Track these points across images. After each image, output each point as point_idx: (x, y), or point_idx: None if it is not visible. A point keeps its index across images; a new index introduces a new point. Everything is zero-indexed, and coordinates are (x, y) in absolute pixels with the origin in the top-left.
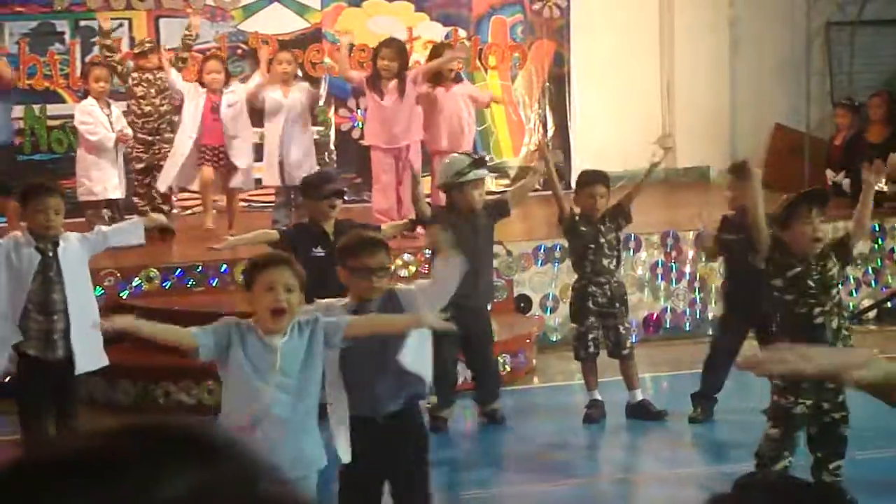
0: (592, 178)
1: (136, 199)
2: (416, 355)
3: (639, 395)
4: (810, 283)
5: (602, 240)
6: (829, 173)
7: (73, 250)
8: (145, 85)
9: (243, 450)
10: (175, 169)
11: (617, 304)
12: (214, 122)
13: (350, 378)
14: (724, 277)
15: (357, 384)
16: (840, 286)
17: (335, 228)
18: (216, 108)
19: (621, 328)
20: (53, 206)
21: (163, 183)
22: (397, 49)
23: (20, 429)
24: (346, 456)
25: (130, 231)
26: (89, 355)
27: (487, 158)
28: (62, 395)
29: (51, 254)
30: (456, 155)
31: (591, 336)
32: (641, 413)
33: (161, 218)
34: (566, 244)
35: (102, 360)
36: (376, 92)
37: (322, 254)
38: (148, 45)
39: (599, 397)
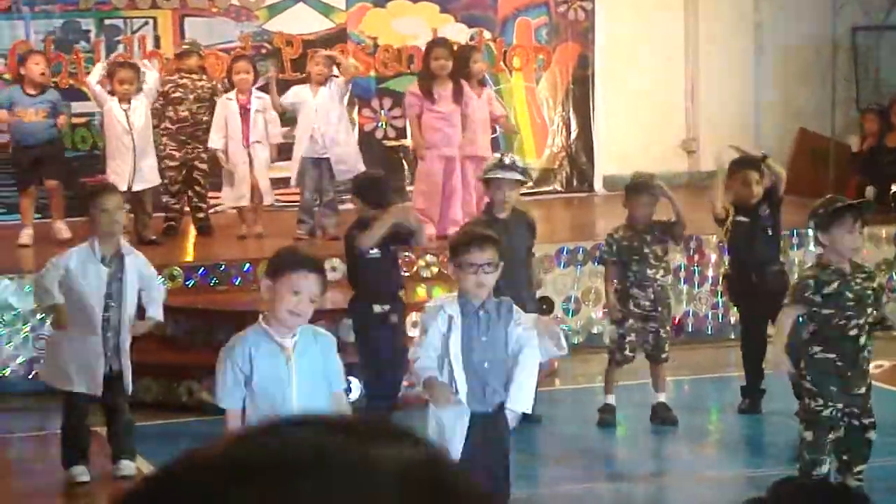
0: (640, 186)
1: (165, 198)
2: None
3: (662, 398)
4: (849, 295)
5: (646, 249)
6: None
7: (135, 274)
8: (182, 90)
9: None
10: (240, 182)
11: (660, 308)
12: (244, 122)
13: (467, 375)
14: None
15: (472, 382)
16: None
17: (392, 230)
18: (246, 108)
19: (662, 332)
20: (117, 204)
21: (236, 199)
22: (450, 49)
23: (68, 426)
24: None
25: (157, 306)
26: (129, 374)
27: (510, 160)
28: (114, 397)
29: (114, 268)
30: (495, 155)
31: (628, 339)
32: (661, 416)
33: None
34: (587, 247)
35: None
36: (429, 96)
37: (378, 255)
38: (187, 46)
39: (613, 401)
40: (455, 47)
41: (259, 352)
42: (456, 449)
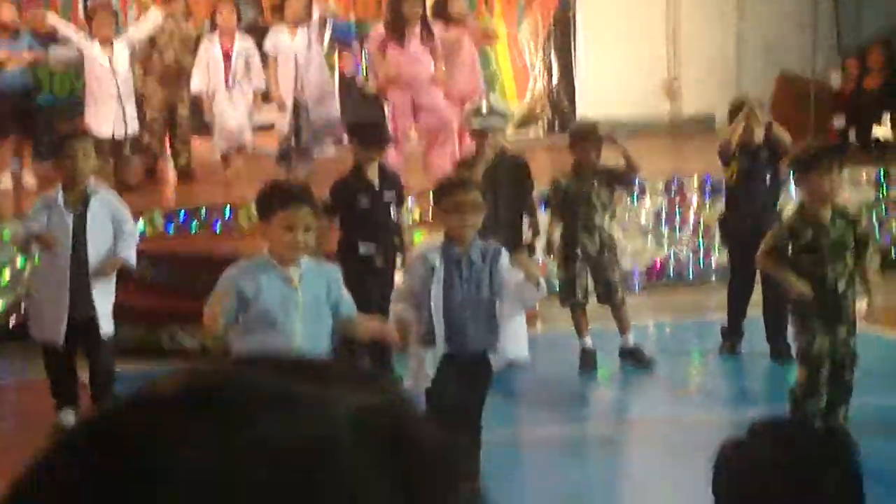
0: (586, 132)
1: (147, 139)
2: (517, 340)
3: (631, 341)
4: (824, 244)
5: (594, 198)
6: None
7: (104, 214)
8: (167, 36)
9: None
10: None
11: (606, 252)
12: (227, 68)
13: (446, 319)
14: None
15: (451, 326)
16: (851, 246)
17: (381, 175)
18: (227, 53)
19: (612, 275)
20: (82, 151)
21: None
22: None
23: (48, 372)
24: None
25: (125, 248)
26: (106, 318)
27: (497, 109)
28: (89, 342)
29: (79, 213)
30: (471, 105)
31: (578, 283)
32: (632, 359)
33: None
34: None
35: (109, 328)
36: (397, 39)
37: (368, 206)
38: None
39: (590, 344)
40: None
41: (266, 277)
42: (424, 388)
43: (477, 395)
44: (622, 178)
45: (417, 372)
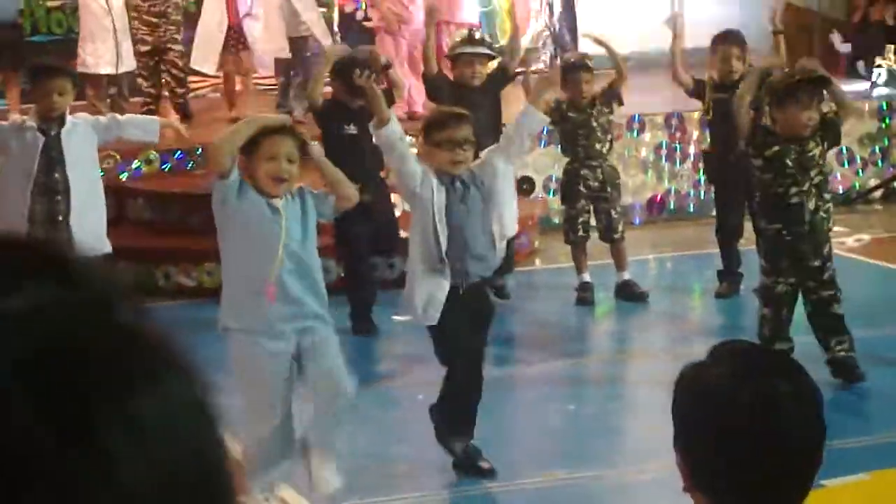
0: (576, 66)
1: (140, 81)
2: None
3: (626, 276)
4: (788, 162)
5: (594, 123)
6: (835, 37)
7: (81, 132)
8: None
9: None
10: (202, 48)
11: (609, 188)
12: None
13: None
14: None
15: (455, 252)
16: (822, 165)
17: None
18: None
19: (613, 212)
20: (58, 88)
21: (196, 62)
22: None
23: None
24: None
25: (146, 126)
26: (91, 240)
27: (487, 36)
28: None
29: (54, 133)
30: (462, 31)
31: (581, 219)
32: (626, 293)
33: (177, 125)
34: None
35: (104, 246)
36: None
37: (354, 131)
38: None
39: (589, 279)
40: None
41: (252, 202)
42: (434, 315)
43: (483, 329)
44: (614, 88)
45: (425, 301)
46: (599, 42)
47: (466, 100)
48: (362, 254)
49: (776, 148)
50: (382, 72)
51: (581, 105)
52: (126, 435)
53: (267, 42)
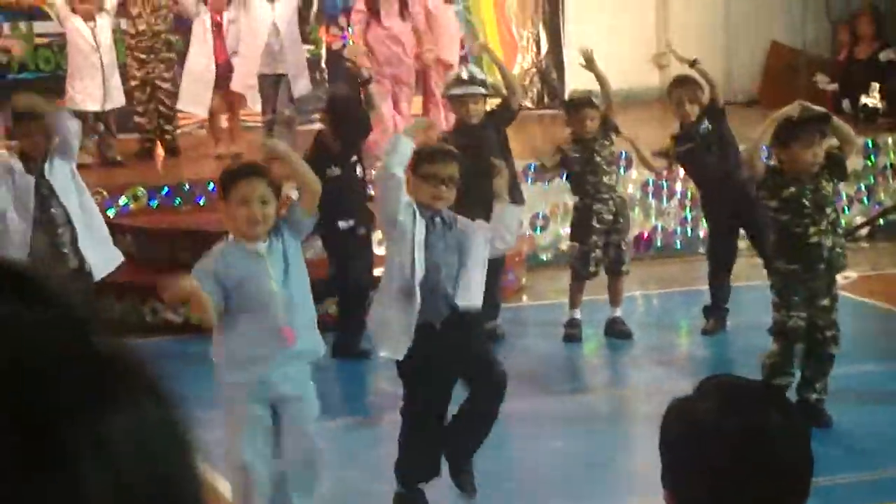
0: (582, 102)
1: (136, 118)
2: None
3: (618, 313)
4: (805, 202)
5: (597, 158)
6: (820, 78)
7: (57, 164)
8: (140, 3)
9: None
10: (191, 89)
11: (621, 220)
12: (217, 37)
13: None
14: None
15: (428, 286)
16: (834, 203)
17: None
18: (219, 24)
19: (623, 244)
20: (39, 131)
21: (185, 104)
22: None
23: None
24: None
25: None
26: (103, 259)
27: (480, 76)
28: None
29: (38, 170)
30: (453, 72)
31: (593, 255)
32: (615, 331)
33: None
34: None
35: (118, 258)
36: (375, 13)
37: (338, 173)
38: None
39: (579, 316)
40: None
41: (233, 257)
42: (399, 350)
43: (477, 344)
44: (609, 121)
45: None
46: (589, 61)
47: (468, 137)
48: (361, 283)
49: (792, 189)
50: (362, 86)
51: (584, 140)
52: (95, 458)
53: (237, 78)
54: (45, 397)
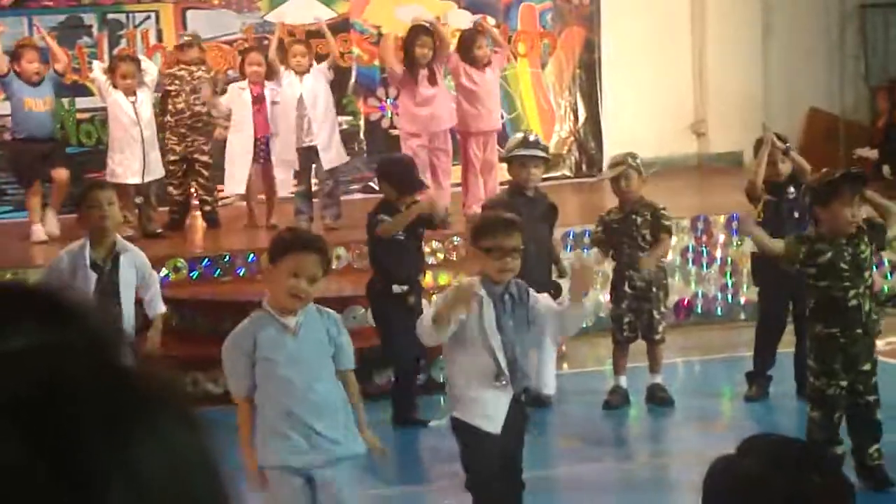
0: (616, 162)
1: (171, 189)
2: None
3: (658, 380)
4: (843, 266)
5: (634, 233)
6: (861, 151)
7: (128, 264)
8: (178, 83)
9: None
10: (238, 170)
11: (654, 288)
12: (258, 112)
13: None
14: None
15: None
16: (874, 268)
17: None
18: (259, 98)
19: (655, 312)
20: (108, 198)
21: (234, 186)
22: (432, 36)
23: None
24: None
25: (153, 302)
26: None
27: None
28: None
29: (108, 269)
30: (518, 134)
31: (626, 319)
32: (655, 398)
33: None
34: (594, 229)
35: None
36: (412, 81)
37: (402, 237)
38: (187, 38)
39: (624, 384)
40: (458, 33)
41: (263, 333)
42: (497, 425)
43: (521, 437)
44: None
45: (480, 410)
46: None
47: (524, 205)
48: (414, 354)
49: (829, 255)
50: (439, 227)
51: (626, 208)
52: (123, 482)
53: (279, 160)
54: (73, 422)
